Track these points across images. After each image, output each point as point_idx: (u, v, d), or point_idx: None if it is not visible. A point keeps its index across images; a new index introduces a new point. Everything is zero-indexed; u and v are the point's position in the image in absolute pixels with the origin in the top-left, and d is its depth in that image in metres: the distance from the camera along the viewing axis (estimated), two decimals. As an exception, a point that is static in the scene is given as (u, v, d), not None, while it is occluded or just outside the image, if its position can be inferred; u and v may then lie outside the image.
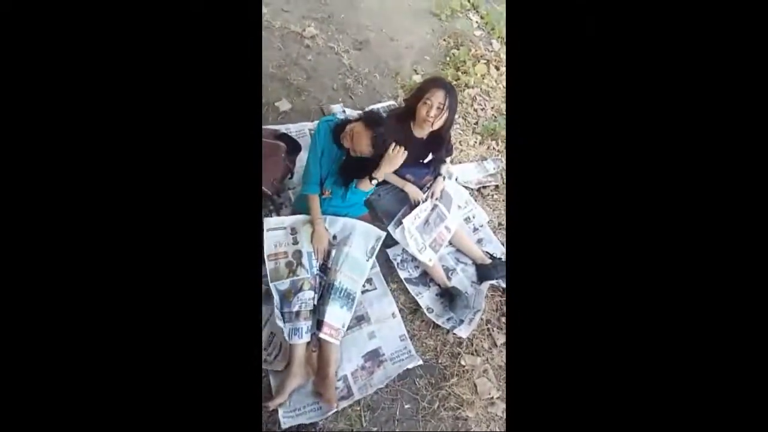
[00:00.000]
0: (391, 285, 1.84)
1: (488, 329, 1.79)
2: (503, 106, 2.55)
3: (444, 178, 1.93)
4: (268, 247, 1.65)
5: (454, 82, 2.62)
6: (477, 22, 3.08)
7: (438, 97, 1.65)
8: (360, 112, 2.26)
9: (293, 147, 2.05)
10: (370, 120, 1.58)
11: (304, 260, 1.63)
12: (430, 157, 1.88)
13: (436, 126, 1.70)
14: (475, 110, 2.52)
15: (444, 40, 2.88)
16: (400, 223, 1.83)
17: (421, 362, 1.65)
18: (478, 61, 2.71)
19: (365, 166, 1.64)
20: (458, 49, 2.78)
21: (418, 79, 2.61)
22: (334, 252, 1.71)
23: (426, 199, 1.87)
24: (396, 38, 2.83)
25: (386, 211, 1.94)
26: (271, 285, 1.60)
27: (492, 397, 1.63)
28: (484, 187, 2.15)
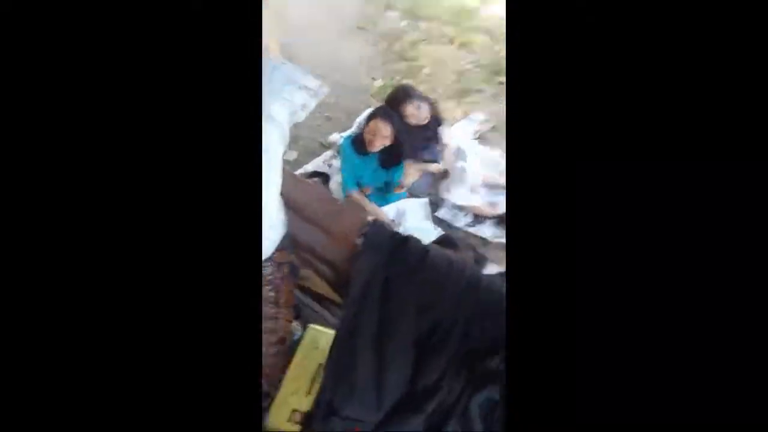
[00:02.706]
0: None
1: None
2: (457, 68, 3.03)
3: (446, 144, 2.36)
4: None
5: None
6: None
7: (412, 107, 2.13)
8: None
9: (324, 179, 2.45)
10: (382, 113, 2.05)
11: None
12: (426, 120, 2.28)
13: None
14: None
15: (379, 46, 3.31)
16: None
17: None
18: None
19: (399, 153, 2.11)
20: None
21: (378, 83, 3.03)
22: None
23: (444, 168, 2.31)
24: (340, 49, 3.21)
25: (422, 191, 2.36)
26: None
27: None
28: (483, 134, 2.59)
